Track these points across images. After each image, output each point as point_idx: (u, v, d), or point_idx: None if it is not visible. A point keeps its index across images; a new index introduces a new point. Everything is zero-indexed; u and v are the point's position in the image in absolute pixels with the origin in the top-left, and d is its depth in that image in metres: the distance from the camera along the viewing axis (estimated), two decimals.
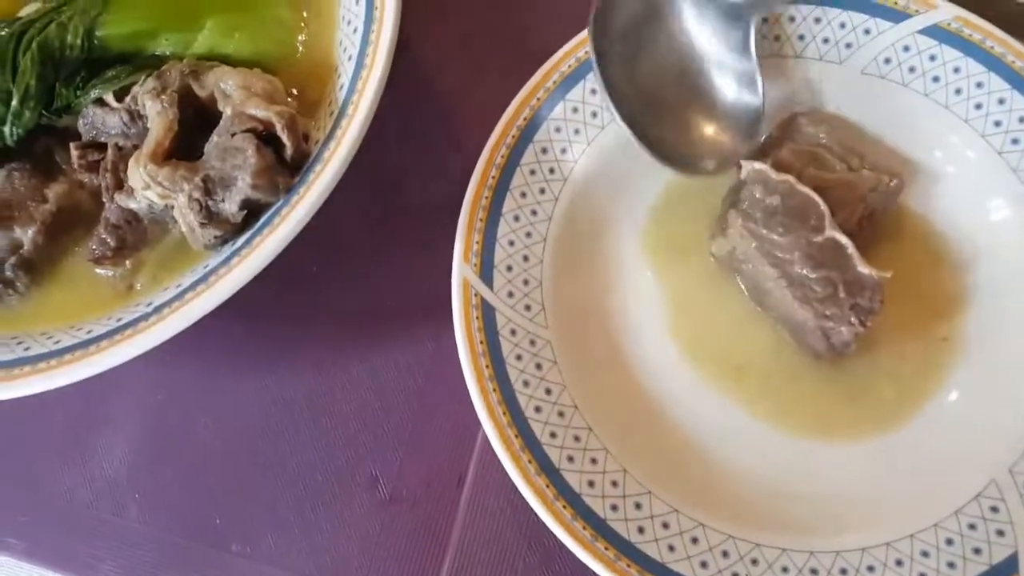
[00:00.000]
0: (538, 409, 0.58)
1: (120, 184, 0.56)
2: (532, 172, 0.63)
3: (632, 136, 0.59)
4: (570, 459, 0.57)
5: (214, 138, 0.54)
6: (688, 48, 0.63)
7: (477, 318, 0.59)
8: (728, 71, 0.63)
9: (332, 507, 0.63)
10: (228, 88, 0.55)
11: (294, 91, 0.60)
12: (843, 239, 0.57)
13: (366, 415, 0.65)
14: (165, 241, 0.58)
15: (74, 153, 0.57)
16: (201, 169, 0.53)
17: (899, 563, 0.54)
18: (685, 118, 0.63)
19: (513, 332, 0.59)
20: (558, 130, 0.64)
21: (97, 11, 0.56)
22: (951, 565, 0.54)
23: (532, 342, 0.60)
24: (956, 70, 0.63)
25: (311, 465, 0.64)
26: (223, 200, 0.53)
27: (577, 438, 0.58)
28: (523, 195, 0.63)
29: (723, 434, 0.60)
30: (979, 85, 0.63)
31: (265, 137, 0.54)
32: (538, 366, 0.59)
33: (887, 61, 0.64)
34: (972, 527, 0.54)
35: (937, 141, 0.64)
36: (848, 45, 0.65)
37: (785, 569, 0.54)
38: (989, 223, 0.62)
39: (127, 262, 0.57)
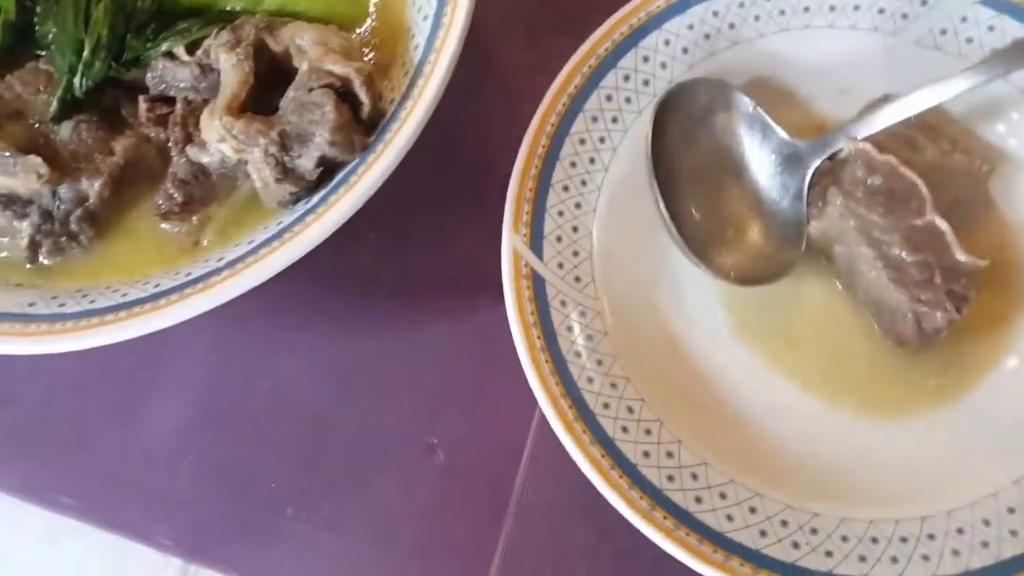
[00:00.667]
0: (590, 380, 0.57)
1: (189, 138, 0.56)
2: (582, 141, 0.62)
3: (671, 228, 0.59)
4: (624, 430, 0.56)
5: (290, 93, 0.53)
6: (738, 161, 0.63)
7: (527, 288, 0.58)
8: (777, 212, 0.62)
9: (389, 474, 0.63)
10: (304, 44, 0.54)
11: (365, 51, 0.59)
12: (943, 224, 0.56)
13: (424, 383, 0.64)
14: (233, 197, 0.57)
15: (142, 106, 0.57)
16: (277, 124, 0.52)
17: (960, 531, 0.54)
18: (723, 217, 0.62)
19: (563, 303, 0.59)
20: (609, 99, 0.63)
21: None
22: (1013, 533, 0.53)
23: (583, 313, 0.59)
24: None
25: (369, 432, 0.64)
26: (299, 156, 0.52)
27: (630, 409, 0.57)
28: (573, 165, 0.62)
29: (778, 408, 0.59)
30: None
31: (342, 94, 0.53)
32: (589, 337, 0.59)
33: (943, 32, 0.63)
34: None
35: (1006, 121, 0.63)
36: (904, 15, 0.64)
37: (845, 538, 0.54)
38: None
39: (194, 218, 0.56)
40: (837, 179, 0.60)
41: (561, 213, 0.61)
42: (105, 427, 0.66)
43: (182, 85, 0.56)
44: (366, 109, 0.53)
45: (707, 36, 0.65)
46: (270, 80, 0.55)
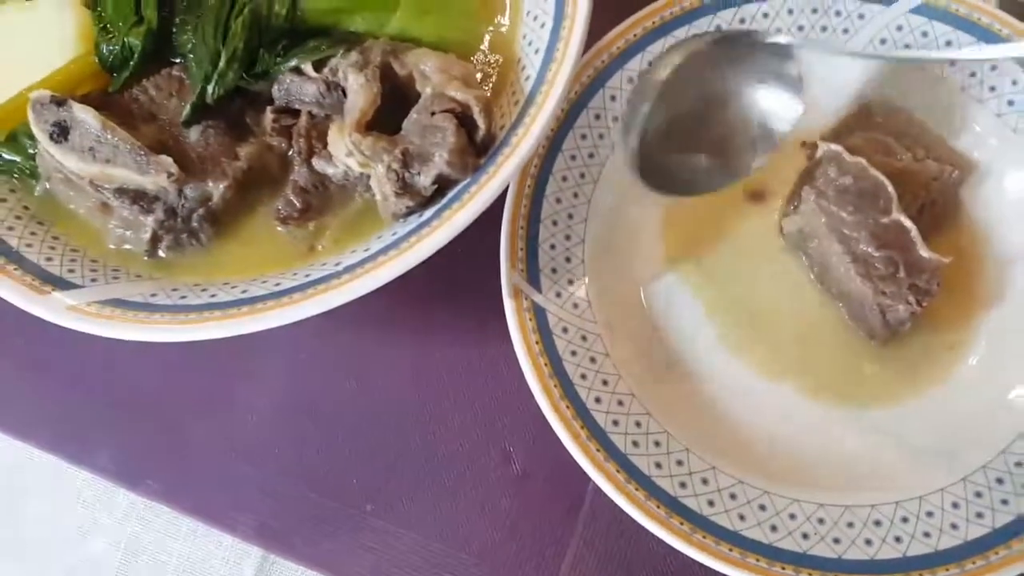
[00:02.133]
0: (598, 400, 0.61)
1: (312, 150, 0.59)
2: (564, 178, 0.67)
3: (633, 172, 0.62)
4: (635, 444, 0.60)
5: (413, 115, 0.57)
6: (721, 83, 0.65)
7: (530, 319, 0.62)
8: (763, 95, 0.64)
9: (466, 478, 0.66)
10: (427, 69, 0.58)
11: (476, 76, 0.63)
12: (907, 223, 0.61)
13: (503, 393, 0.68)
14: (348, 208, 0.61)
15: (269, 116, 0.60)
16: (401, 143, 0.56)
17: (929, 514, 0.58)
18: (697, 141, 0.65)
19: (565, 330, 0.62)
20: (584, 137, 0.67)
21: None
22: (979, 515, 0.57)
23: (584, 337, 0.63)
24: (948, 43, 0.67)
25: (449, 436, 0.67)
26: (419, 173, 0.56)
27: (638, 423, 0.61)
28: (558, 200, 0.66)
29: (771, 407, 0.64)
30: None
31: (460, 118, 0.57)
32: (592, 359, 0.62)
33: (883, 41, 0.68)
34: (999, 481, 0.59)
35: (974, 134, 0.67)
36: (845, 31, 0.69)
37: (850, 524, 0.58)
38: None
39: (311, 224, 0.60)
40: (811, 178, 0.65)
41: (553, 247, 0.65)
42: (195, 416, 0.70)
43: (307, 99, 0.59)
44: (481, 134, 0.57)
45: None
46: (390, 99, 0.59)
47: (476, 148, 0.58)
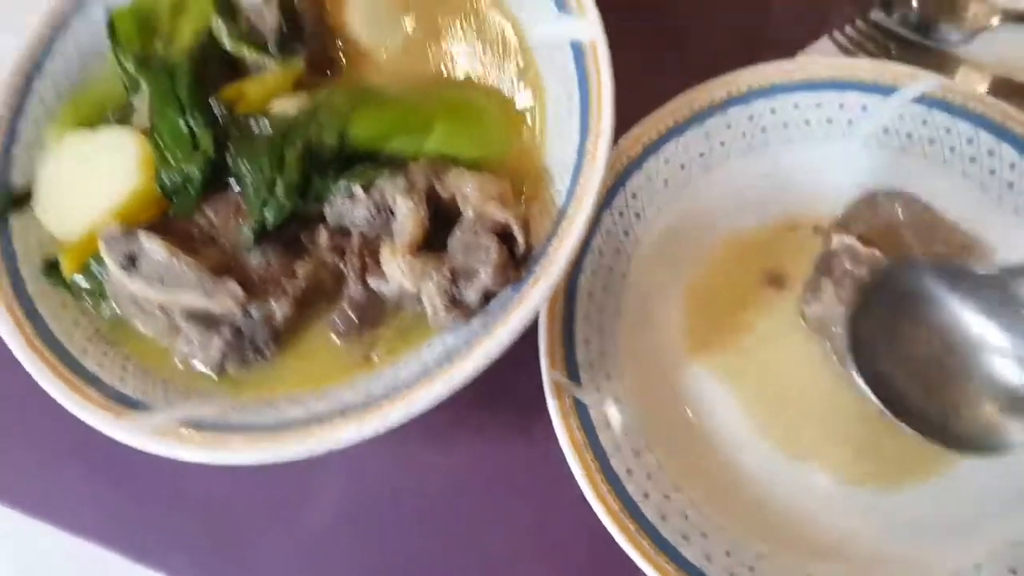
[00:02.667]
0: (646, 495, 0.65)
1: (365, 267, 0.64)
2: (594, 273, 0.71)
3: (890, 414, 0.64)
4: (685, 537, 0.63)
5: (457, 233, 0.62)
6: (952, 329, 0.66)
7: (573, 416, 0.66)
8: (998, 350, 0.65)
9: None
10: (467, 190, 0.63)
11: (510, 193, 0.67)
12: None
13: (548, 488, 0.71)
14: (399, 318, 0.65)
15: (324, 236, 0.65)
16: (448, 261, 0.61)
17: None
18: (952, 395, 0.65)
19: (607, 425, 0.66)
20: (608, 233, 0.72)
21: (352, 115, 0.64)
22: None
23: (625, 431, 0.67)
24: (947, 131, 0.72)
25: (499, 538, 0.71)
26: (466, 289, 0.60)
27: (685, 516, 0.65)
28: (590, 295, 0.70)
29: (803, 489, 0.67)
30: (969, 141, 0.71)
31: (501, 235, 0.61)
32: (636, 453, 0.66)
33: (885, 131, 0.73)
34: None
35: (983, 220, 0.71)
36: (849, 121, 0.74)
37: None
38: None
39: (366, 336, 0.65)
40: (829, 269, 0.69)
41: (588, 341, 0.69)
42: (263, 523, 0.74)
43: (357, 221, 0.64)
44: (520, 248, 0.62)
45: (682, 166, 0.74)
46: (434, 217, 0.64)
47: (516, 261, 0.62)
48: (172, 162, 0.66)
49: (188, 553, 0.73)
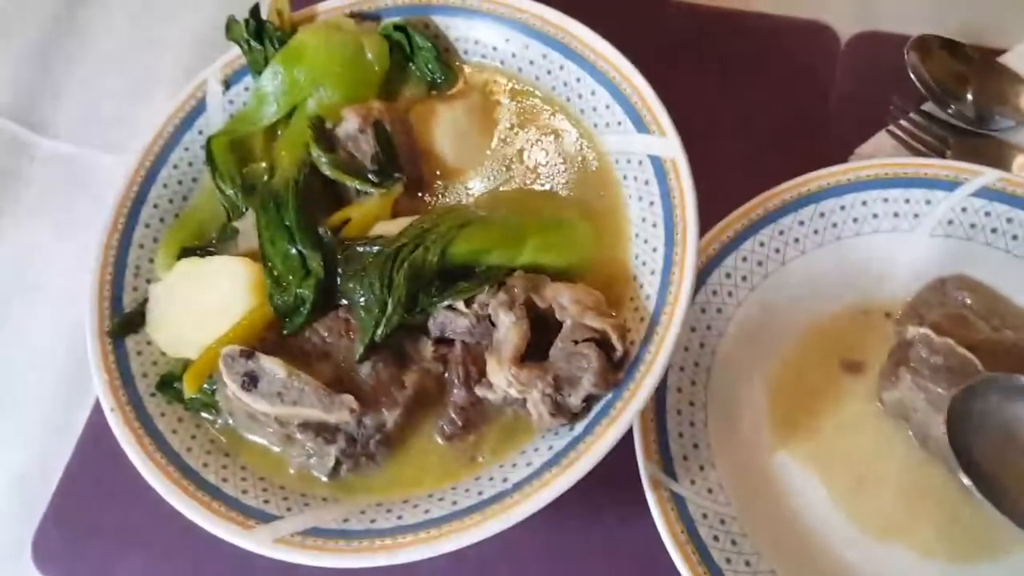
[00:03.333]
0: None
1: (468, 373, 0.68)
2: (681, 368, 0.74)
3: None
4: None
5: (559, 344, 0.66)
6: None
7: (672, 509, 0.68)
8: None
9: None
10: (564, 301, 0.66)
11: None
12: None
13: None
14: (500, 420, 0.69)
15: (429, 347, 0.69)
16: (551, 369, 0.65)
17: None
18: None
19: (704, 516, 0.69)
20: (693, 330, 0.76)
21: (453, 235, 0.69)
22: None
23: (722, 521, 0.69)
24: (1009, 220, 0.75)
25: None
26: (569, 395, 0.64)
27: None
28: (679, 390, 0.74)
29: (886, 566, 0.70)
30: None
31: (598, 343, 0.65)
32: (733, 542, 0.69)
33: (950, 222, 0.77)
34: None
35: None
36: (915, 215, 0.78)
37: None
38: None
39: (471, 437, 0.68)
40: (905, 359, 0.72)
41: (681, 435, 0.72)
42: None
43: (459, 331, 0.68)
44: (618, 354, 0.65)
45: (759, 262, 0.78)
46: (533, 324, 0.67)
47: (615, 365, 0.66)
48: (285, 286, 0.71)
49: None
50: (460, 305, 0.68)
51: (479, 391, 0.67)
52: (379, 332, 0.68)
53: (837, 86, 0.95)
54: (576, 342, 0.65)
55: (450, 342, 0.70)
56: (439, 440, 0.69)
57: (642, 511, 0.70)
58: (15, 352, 1.02)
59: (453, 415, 0.68)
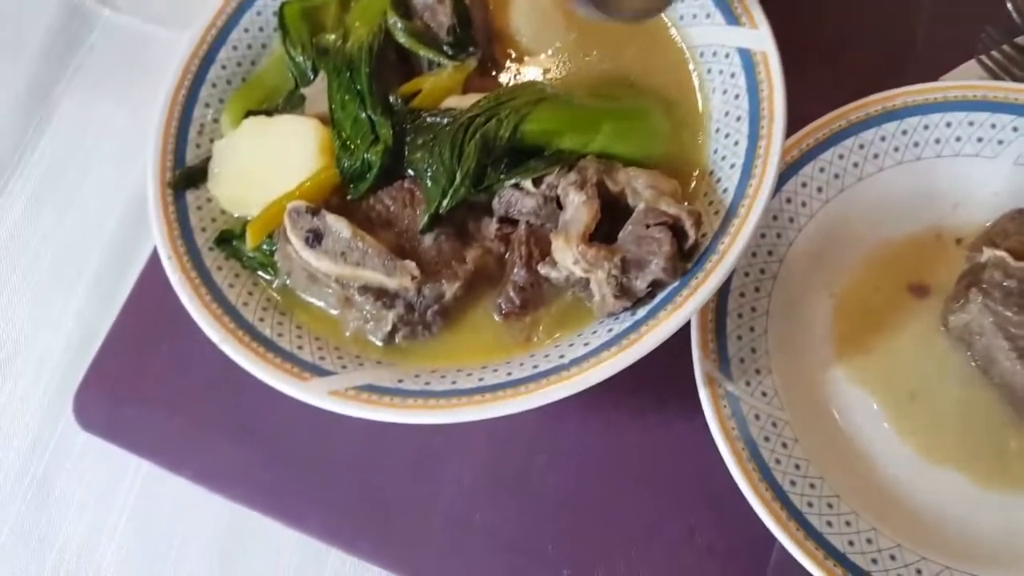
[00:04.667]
0: (793, 483, 0.67)
1: (531, 254, 0.67)
2: (746, 274, 0.73)
3: None
4: (829, 524, 0.66)
5: (629, 227, 0.65)
6: None
7: (725, 406, 0.68)
8: None
9: (654, 551, 0.72)
10: (638, 186, 0.65)
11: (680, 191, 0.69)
12: None
13: (688, 471, 0.74)
14: (558, 303, 0.68)
15: (494, 226, 0.69)
16: (619, 251, 0.64)
17: None
18: None
19: (757, 416, 0.69)
20: (763, 236, 0.74)
21: (528, 111, 0.68)
22: None
23: (774, 424, 0.69)
24: None
25: (637, 511, 0.73)
26: (636, 279, 0.63)
27: (830, 505, 0.67)
28: (742, 295, 0.73)
29: (940, 488, 0.69)
30: None
31: (672, 229, 0.64)
32: (784, 445, 0.68)
33: None
34: None
35: None
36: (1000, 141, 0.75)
37: None
38: None
39: (527, 318, 0.67)
40: (977, 280, 0.70)
41: (740, 338, 0.72)
42: (402, 484, 0.77)
43: (525, 211, 0.67)
44: (690, 243, 0.64)
45: (836, 175, 0.76)
46: (602, 210, 0.66)
47: (684, 254, 0.65)
48: (353, 150, 0.70)
49: (320, 512, 0.77)
50: (528, 184, 0.67)
51: (542, 269, 0.66)
52: (444, 203, 0.68)
53: (929, 8, 0.91)
54: (648, 226, 0.64)
55: (514, 222, 0.69)
56: (496, 318, 0.68)
57: (695, 409, 0.69)
58: (67, 218, 1.03)
59: (512, 293, 0.67)
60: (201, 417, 0.82)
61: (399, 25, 0.75)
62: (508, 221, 0.69)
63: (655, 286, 0.64)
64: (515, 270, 0.68)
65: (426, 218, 0.68)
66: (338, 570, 0.80)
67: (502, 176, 0.68)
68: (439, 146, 0.68)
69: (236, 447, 0.80)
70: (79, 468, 0.88)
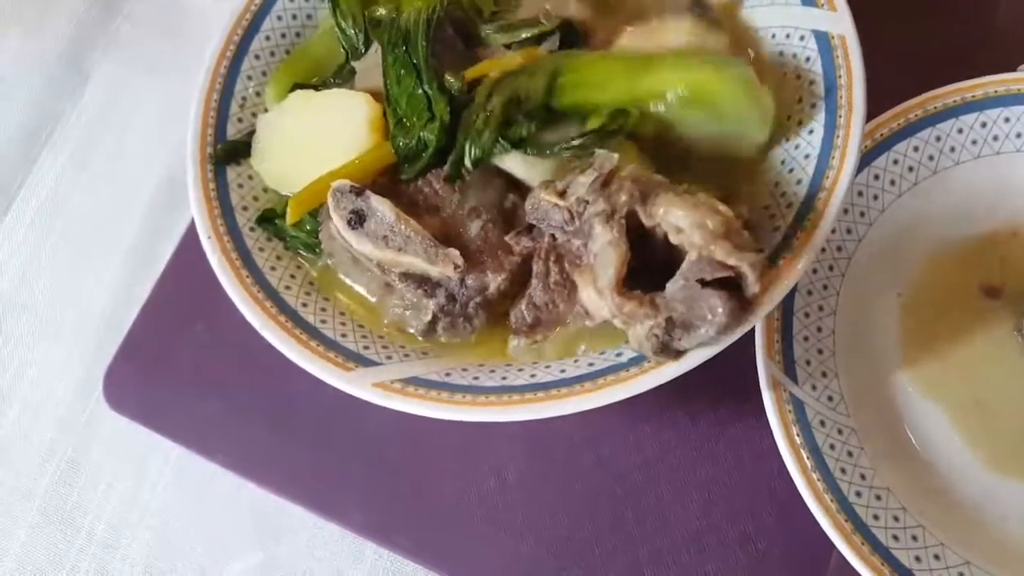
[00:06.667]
0: (858, 494, 0.63)
1: (548, 272, 0.62)
2: (814, 271, 0.69)
3: None
4: (895, 538, 0.62)
5: (679, 280, 0.55)
6: None
7: (790, 411, 0.64)
8: None
9: (706, 556, 0.69)
10: (680, 223, 0.55)
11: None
12: None
13: (742, 474, 0.70)
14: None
15: (511, 239, 0.64)
16: (665, 309, 0.55)
17: None
18: None
19: (823, 423, 0.65)
20: (833, 231, 0.68)
21: (564, 64, 0.64)
22: None
23: (839, 431, 0.65)
24: None
25: (688, 514, 0.70)
26: (680, 339, 0.56)
27: (896, 518, 0.64)
28: (809, 293, 0.69)
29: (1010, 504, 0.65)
30: None
31: (729, 285, 0.54)
32: (849, 453, 0.65)
33: None
34: None
35: None
36: None
37: None
38: None
39: (537, 338, 0.63)
40: None
41: (806, 338, 0.68)
42: (442, 478, 0.75)
43: (554, 223, 0.61)
44: (751, 292, 0.54)
45: (910, 168, 0.72)
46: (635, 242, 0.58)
47: (744, 303, 0.55)
48: (409, 127, 0.66)
49: (358, 506, 0.75)
50: (554, 196, 0.60)
51: (571, 320, 0.61)
52: (471, 151, 0.64)
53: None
54: (703, 282, 0.54)
55: (533, 229, 0.64)
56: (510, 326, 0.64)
57: (754, 412, 0.66)
58: (101, 190, 1.00)
59: (524, 309, 0.63)
60: (235, 401, 0.80)
61: None
62: (528, 230, 0.64)
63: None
64: (534, 285, 0.63)
65: (448, 164, 0.65)
66: (373, 564, 0.77)
67: (532, 128, 0.63)
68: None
69: (271, 433, 0.78)
70: (109, 445, 0.86)
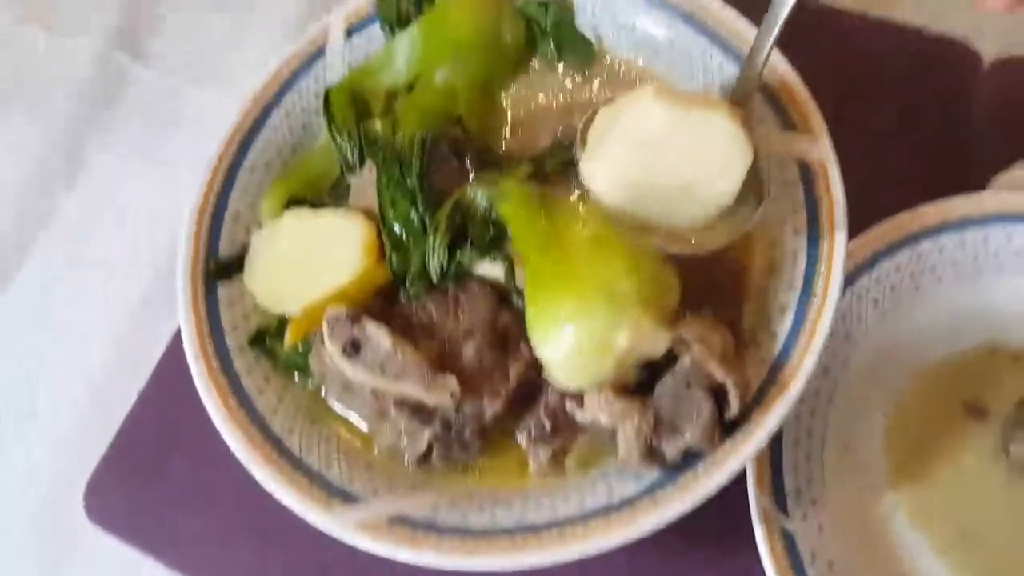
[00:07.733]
0: None
1: None
2: (802, 397, 0.67)
3: None
4: None
5: (668, 381, 0.60)
6: None
7: (781, 547, 0.64)
8: None
9: None
10: (688, 337, 0.59)
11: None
12: None
13: None
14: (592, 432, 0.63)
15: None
16: (651, 407, 0.59)
17: None
18: None
19: (813, 557, 0.64)
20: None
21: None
22: None
23: (830, 564, 0.65)
24: None
25: None
26: (666, 443, 0.59)
27: None
28: (797, 418, 0.69)
29: None
30: None
31: (714, 394, 0.59)
32: None
33: None
34: None
35: None
36: None
37: None
38: None
39: (558, 444, 0.64)
40: None
41: (796, 468, 0.68)
42: None
43: None
44: (731, 414, 0.59)
45: (892, 287, 0.74)
46: None
47: (724, 424, 0.59)
48: (405, 249, 0.67)
49: None
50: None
51: (568, 406, 0.62)
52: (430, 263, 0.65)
53: (979, 110, 0.89)
54: (689, 385, 0.59)
55: None
56: (520, 441, 0.64)
57: (745, 541, 0.65)
58: (91, 278, 1.00)
59: (543, 417, 0.63)
60: (223, 519, 0.79)
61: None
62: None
63: (689, 454, 0.60)
64: (548, 390, 0.64)
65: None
66: None
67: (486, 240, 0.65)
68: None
69: (259, 557, 0.76)
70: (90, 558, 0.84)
